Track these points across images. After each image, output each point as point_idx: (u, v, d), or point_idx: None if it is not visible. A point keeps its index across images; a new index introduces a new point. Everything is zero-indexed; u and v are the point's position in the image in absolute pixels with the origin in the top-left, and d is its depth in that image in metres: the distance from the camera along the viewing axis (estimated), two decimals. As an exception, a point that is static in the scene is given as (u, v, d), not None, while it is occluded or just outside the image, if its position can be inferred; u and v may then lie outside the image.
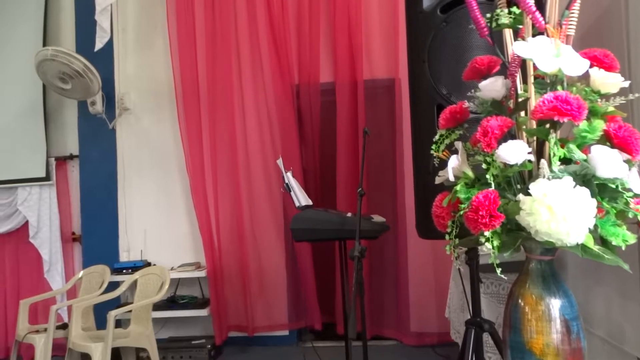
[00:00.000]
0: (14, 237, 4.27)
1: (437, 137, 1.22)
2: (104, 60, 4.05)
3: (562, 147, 0.97)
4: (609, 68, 1.02)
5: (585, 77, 1.01)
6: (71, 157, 4.28)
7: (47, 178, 4.18)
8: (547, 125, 0.96)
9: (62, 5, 4.35)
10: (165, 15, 4.10)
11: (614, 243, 0.93)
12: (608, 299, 1.71)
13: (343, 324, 3.72)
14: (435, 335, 3.76)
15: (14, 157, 4.21)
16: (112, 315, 3.05)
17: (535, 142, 1.03)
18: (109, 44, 3.97)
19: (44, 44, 4.11)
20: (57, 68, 3.70)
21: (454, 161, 1.11)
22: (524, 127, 1.04)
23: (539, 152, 1.02)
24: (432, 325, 3.80)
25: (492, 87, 1.11)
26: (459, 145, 1.14)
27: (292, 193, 2.70)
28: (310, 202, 2.72)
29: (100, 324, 3.39)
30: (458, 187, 1.06)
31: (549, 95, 0.94)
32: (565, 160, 0.97)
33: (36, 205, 4.19)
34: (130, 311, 3.45)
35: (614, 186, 0.93)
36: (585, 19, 1.70)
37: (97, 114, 4.15)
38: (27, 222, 4.20)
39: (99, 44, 3.83)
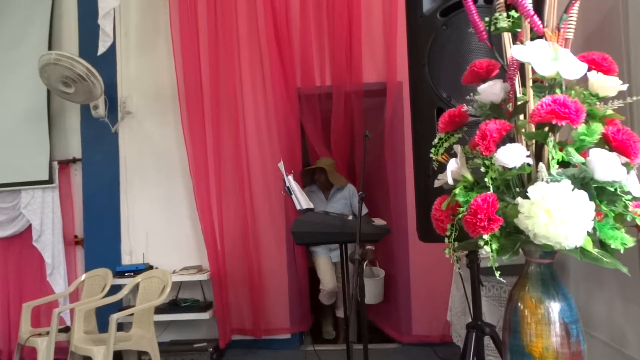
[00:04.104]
0: (17, 241, 4.28)
1: (436, 140, 1.22)
2: (106, 64, 4.06)
3: (561, 150, 0.97)
4: (607, 71, 1.02)
5: (584, 80, 1.01)
6: (74, 160, 4.29)
7: (50, 181, 4.20)
8: (546, 129, 0.97)
9: (65, 9, 4.38)
10: (168, 19, 4.12)
11: (612, 246, 0.93)
12: (610, 302, 1.71)
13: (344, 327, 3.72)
14: (436, 338, 3.76)
15: (18, 161, 4.23)
16: (114, 318, 3.05)
17: (533, 146, 1.03)
18: (112, 48, 3.99)
19: (49, 49, 4.14)
20: (60, 72, 3.72)
21: (453, 164, 1.11)
22: (523, 130, 1.04)
23: (538, 156, 1.02)
24: (434, 328, 3.79)
25: (491, 90, 1.11)
26: (458, 148, 1.14)
27: (293, 196, 2.71)
28: (311, 205, 2.72)
29: (103, 327, 3.39)
30: (457, 191, 1.06)
31: (547, 98, 0.94)
32: (564, 164, 0.97)
33: (39, 209, 4.21)
34: (132, 314, 3.45)
35: (612, 189, 0.93)
36: (587, 25, 1.71)
37: (100, 118, 4.17)
38: (30, 226, 4.22)
39: (101, 48, 3.84)
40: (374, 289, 3.72)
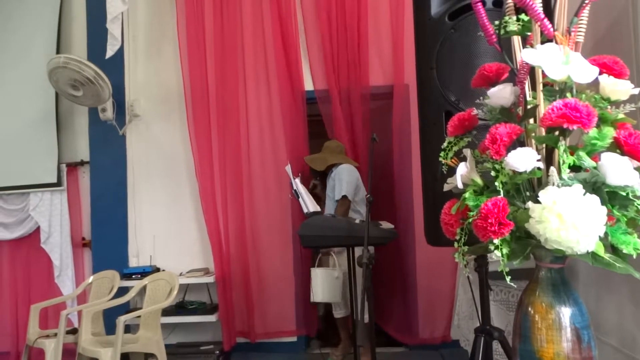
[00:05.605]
0: (25, 243, 4.31)
1: (445, 144, 1.22)
2: (114, 67, 4.08)
3: (572, 154, 0.96)
4: (618, 75, 1.02)
5: (595, 84, 1.01)
6: (82, 163, 4.32)
7: (59, 184, 4.22)
8: (557, 133, 0.96)
9: (74, 13, 4.41)
10: (175, 23, 4.14)
11: (624, 251, 0.92)
12: (620, 307, 1.70)
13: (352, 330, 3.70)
14: (443, 339, 3.74)
15: (26, 163, 4.27)
16: (122, 320, 3.06)
17: (544, 150, 1.03)
18: (120, 52, 4.01)
19: (57, 52, 4.17)
20: (69, 75, 3.74)
21: (462, 168, 1.11)
22: (533, 134, 1.04)
23: (549, 160, 1.01)
24: (441, 332, 3.78)
25: (500, 94, 1.11)
26: (467, 152, 1.14)
27: (300, 199, 2.71)
28: (318, 209, 2.72)
29: (110, 329, 3.40)
30: (467, 195, 1.06)
31: (558, 102, 0.94)
32: (575, 168, 0.96)
33: (47, 211, 4.23)
34: (139, 316, 3.46)
35: (624, 194, 0.93)
36: (598, 28, 1.70)
37: (108, 121, 4.19)
38: (38, 228, 4.24)
39: (109, 52, 3.87)
40: (328, 283, 3.16)
